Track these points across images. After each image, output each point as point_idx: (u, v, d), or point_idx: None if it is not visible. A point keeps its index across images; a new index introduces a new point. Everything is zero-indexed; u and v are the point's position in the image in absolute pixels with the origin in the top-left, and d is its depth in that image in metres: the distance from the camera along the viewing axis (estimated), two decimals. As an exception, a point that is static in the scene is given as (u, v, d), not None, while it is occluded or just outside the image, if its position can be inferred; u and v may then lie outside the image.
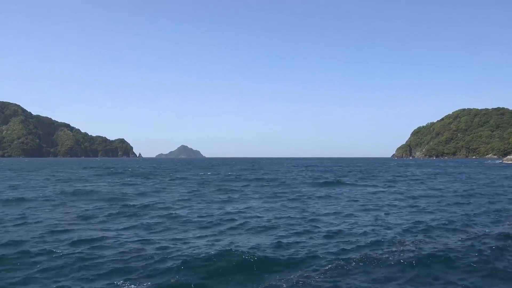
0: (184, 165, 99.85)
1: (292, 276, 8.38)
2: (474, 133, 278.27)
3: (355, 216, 16.48)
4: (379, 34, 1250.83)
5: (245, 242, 11.42)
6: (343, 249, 10.54)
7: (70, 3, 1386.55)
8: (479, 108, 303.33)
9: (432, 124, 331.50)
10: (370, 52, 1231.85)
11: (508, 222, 14.81)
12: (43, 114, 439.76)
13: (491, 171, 60.93)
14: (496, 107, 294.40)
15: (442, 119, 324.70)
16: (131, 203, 19.95)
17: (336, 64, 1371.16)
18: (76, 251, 10.17)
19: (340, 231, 13.13)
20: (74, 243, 11.01)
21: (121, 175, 47.24)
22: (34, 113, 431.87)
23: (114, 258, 9.60)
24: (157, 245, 10.92)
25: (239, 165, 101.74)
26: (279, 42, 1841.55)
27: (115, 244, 11.00)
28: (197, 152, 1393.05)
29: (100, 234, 12.48)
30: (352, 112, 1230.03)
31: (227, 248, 10.32)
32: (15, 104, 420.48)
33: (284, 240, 11.66)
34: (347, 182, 36.27)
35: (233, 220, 15.38)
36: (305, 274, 8.51)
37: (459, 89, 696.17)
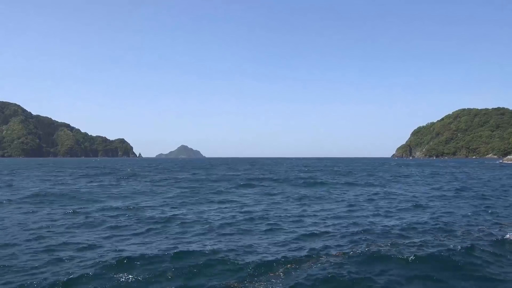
0: (182, 165, 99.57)
1: (270, 274, 8.44)
2: (474, 133, 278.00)
3: (348, 217, 16.26)
4: (378, 34, 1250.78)
5: (233, 242, 11.22)
6: (327, 246, 10.56)
7: (71, 1, 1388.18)
8: (479, 108, 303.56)
9: (432, 124, 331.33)
10: (370, 52, 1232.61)
11: (503, 223, 14.57)
12: (43, 114, 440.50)
13: (491, 171, 60.68)
14: (496, 107, 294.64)
15: (442, 119, 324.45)
16: (115, 205, 19.55)
17: (337, 64, 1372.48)
18: (56, 254, 9.98)
19: (327, 232, 12.94)
20: (52, 247, 10.73)
21: (113, 176, 46.90)
22: (34, 113, 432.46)
23: (88, 259, 9.44)
24: (136, 246, 10.71)
25: (237, 165, 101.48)
26: (279, 41, 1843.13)
27: (92, 246, 10.80)
28: (197, 152, 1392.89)
29: (84, 237, 12.27)
30: (352, 112, 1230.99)
31: (210, 248, 10.19)
32: (15, 104, 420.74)
33: (266, 241, 11.49)
34: (345, 182, 36.04)
35: (221, 220, 15.16)
36: (283, 271, 8.59)
37: (459, 89, 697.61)
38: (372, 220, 15.43)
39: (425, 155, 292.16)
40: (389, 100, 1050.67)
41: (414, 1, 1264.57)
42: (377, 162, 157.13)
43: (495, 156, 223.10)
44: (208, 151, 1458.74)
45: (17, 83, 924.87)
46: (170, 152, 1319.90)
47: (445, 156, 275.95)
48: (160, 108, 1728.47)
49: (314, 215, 16.71)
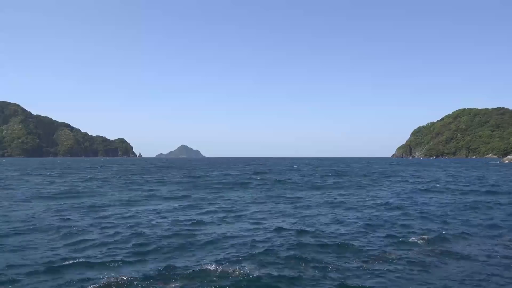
0: (175, 165, 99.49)
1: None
2: (474, 133, 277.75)
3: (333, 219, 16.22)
4: (378, 33, 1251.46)
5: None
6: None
7: (70, 1, 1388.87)
8: (479, 108, 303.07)
9: (432, 124, 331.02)
10: (369, 52, 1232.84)
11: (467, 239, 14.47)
12: (43, 114, 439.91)
13: (490, 170, 60.64)
14: (496, 107, 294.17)
15: (442, 119, 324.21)
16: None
17: (336, 63, 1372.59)
18: None
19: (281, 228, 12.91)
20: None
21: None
22: (34, 113, 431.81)
23: None
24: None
25: (230, 165, 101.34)
26: (279, 41, 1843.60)
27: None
28: (197, 152, 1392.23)
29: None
30: (352, 112, 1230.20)
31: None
32: (15, 104, 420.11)
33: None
34: (343, 183, 36.00)
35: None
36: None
37: (459, 89, 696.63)
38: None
39: (425, 155, 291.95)
40: (389, 99, 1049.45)
41: (414, 1, 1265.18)
42: (376, 162, 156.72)
43: (495, 156, 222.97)
44: (208, 151, 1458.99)
45: (17, 83, 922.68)
46: (170, 152, 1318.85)
47: (445, 156, 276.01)
48: (160, 108, 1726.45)
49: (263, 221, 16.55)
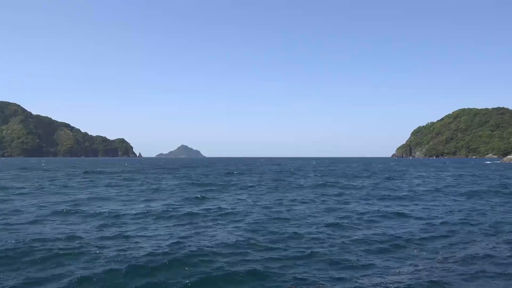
0: (170, 165, 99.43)
1: None
2: (474, 133, 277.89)
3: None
4: (378, 33, 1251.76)
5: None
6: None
7: (70, 1, 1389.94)
8: (479, 108, 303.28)
9: (432, 124, 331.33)
10: (369, 51, 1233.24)
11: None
12: (43, 114, 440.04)
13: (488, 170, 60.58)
14: (496, 107, 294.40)
15: (442, 119, 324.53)
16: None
17: (336, 64, 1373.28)
18: None
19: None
20: None
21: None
22: (34, 113, 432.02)
23: None
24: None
25: (224, 166, 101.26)
26: (279, 41, 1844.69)
27: None
28: (197, 152, 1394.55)
29: None
30: (351, 112, 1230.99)
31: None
32: (15, 104, 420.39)
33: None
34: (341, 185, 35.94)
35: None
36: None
37: (459, 89, 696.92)
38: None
39: (425, 155, 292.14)
40: (389, 99, 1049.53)
41: (414, 1, 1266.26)
42: (375, 162, 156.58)
43: (495, 156, 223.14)
44: (208, 151, 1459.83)
45: (17, 83, 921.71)
46: (170, 152, 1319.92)
47: (445, 156, 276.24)
48: (160, 108, 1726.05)
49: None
